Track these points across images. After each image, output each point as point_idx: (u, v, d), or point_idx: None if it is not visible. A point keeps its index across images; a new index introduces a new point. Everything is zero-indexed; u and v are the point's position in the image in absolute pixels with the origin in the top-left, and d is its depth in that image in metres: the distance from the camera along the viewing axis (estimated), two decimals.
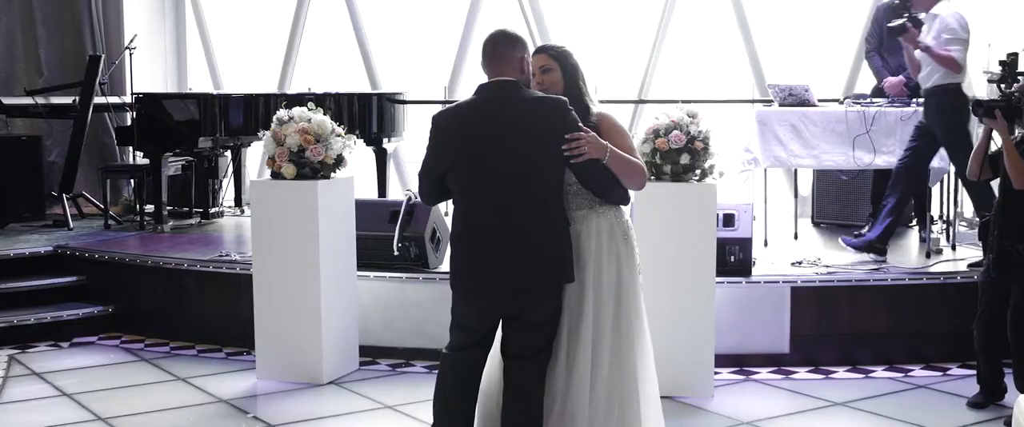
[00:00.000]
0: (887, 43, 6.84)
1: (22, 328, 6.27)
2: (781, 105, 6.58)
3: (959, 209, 6.70)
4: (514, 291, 3.57)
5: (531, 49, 3.78)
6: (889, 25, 6.04)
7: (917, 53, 5.90)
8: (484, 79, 3.67)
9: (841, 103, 6.63)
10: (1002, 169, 4.57)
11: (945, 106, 5.85)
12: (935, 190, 6.54)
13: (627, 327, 3.73)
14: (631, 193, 3.83)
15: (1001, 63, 5.70)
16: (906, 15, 5.92)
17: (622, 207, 3.79)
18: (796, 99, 6.54)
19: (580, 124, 3.56)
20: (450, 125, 3.62)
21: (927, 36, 5.84)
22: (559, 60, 3.79)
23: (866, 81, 7.66)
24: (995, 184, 4.89)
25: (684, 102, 5.17)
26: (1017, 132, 4.67)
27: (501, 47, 3.63)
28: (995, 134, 4.64)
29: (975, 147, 4.90)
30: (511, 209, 3.54)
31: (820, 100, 6.60)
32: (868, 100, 6.49)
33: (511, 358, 3.67)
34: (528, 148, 3.53)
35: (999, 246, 4.58)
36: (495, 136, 3.54)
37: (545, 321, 3.62)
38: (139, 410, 4.98)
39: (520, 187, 3.54)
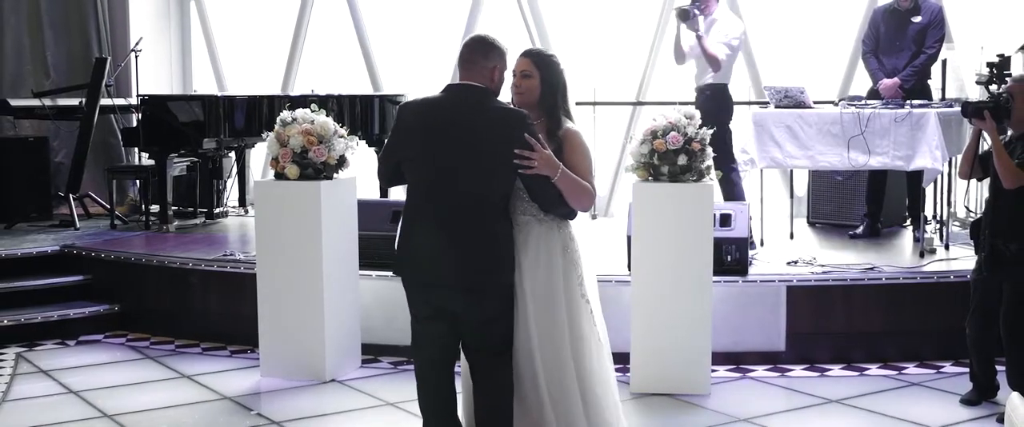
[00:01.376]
0: (883, 45, 6.91)
1: (29, 326, 6.32)
2: (777, 107, 6.58)
3: (952, 209, 6.75)
4: (450, 287, 3.60)
5: (512, 57, 3.77)
6: (678, 7, 6.48)
7: (689, 44, 6.53)
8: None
9: (836, 105, 6.63)
10: (992, 169, 4.60)
11: (710, 103, 6.44)
12: (929, 191, 6.57)
13: (560, 336, 3.71)
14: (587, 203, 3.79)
15: (989, 65, 5.76)
16: (693, 3, 6.35)
17: (569, 221, 3.79)
18: (792, 101, 6.55)
19: (538, 138, 3.58)
20: (412, 117, 3.67)
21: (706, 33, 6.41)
22: (541, 68, 3.77)
23: (861, 83, 7.69)
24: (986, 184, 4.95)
25: (682, 104, 5.21)
26: (1009, 132, 4.73)
27: (475, 53, 3.66)
28: (985, 135, 4.70)
29: (965, 147, 4.95)
30: (456, 207, 3.57)
31: (815, 102, 6.60)
32: (863, 102, 6.52)
33: (468, 353, 3.74)
34: (481, 152, 3.56)
35: (991, 245, 4.61)
36: (451, 137, 3.58)
37: (492, 319, 3.65)
38: (144, 407, 5.02)
39: (467, 188, 3.57)
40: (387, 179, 3.85)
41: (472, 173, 3.57)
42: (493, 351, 3.69)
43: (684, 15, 6.42)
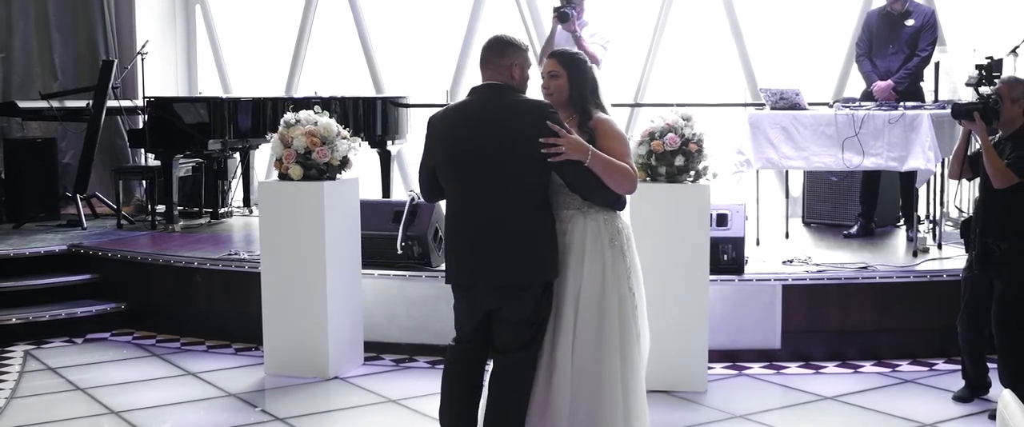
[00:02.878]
0: (877, 48, 6.95)
1: (37, 324, 6.37)
2: (773, 108, 6.59)
3: (945, 209, 6.80)
4: (491, 286, 3.64)
5: (530, 56, 3.85)
6: (557, 8, 6.64)
7: (562, 34, 6.67)
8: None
9: (831, 106, 6.64)
10: (982, 169, 4.66)
11: None
12: (922, 191, 6.61)
13: (608, 334, 3.68)
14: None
15: (978, 67, 5.79)
16: (569, 5, 6.56)
17: (618, 212, 3.77)
18: (787, 103, 6.56)
19: (564, 126, 3.60)
20: (438, 125, 3.73)
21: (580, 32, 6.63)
22: (567, 67, 3.81)
23: (855, 85, 7.72)
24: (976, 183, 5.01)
25: (679, 106, 5.23)
26: (998, 133, 4.79)
27: (490, 54, 3.72)
28: (975, 136, 4.77)
29: (955, 148, 5.01)
30: (491, 207, 3.61)
31: (810, 104, 6.60)
32: (857, 103, 6.54)
33: (496, 352, 3.75)
34: (508, 148, 3.59)
35: (981, 243, 4.66)
36: (477, 137, 3.62)
37: (527, 318, 3.65)
38: (150, 404, 5.07)
39: (500, 186, 3.60)
40: (428, 192, 3.85)
41: (502, 170, 3.59)
42: (521, 353, 3.68)
43: (563, 17, 6.59)
